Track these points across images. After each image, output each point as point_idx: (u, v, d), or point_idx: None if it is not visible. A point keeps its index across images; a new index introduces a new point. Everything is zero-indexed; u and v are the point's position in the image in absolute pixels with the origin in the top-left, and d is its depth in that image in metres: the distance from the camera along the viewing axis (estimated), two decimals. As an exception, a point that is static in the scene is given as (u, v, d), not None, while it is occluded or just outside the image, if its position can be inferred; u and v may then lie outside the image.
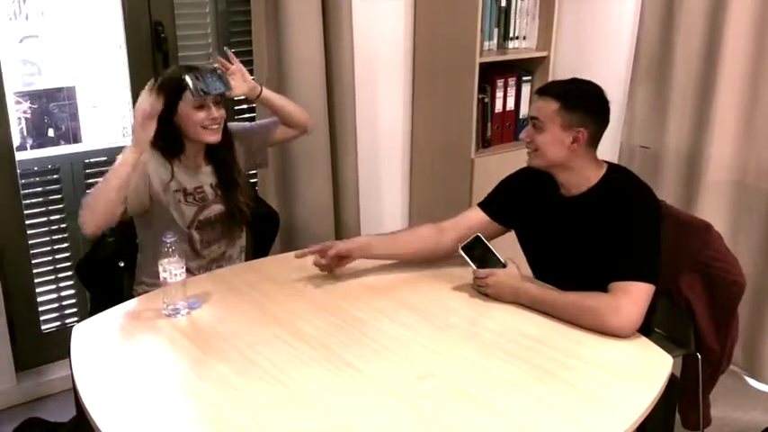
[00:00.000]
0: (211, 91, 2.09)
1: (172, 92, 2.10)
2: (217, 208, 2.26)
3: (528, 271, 2.15)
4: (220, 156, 2.26)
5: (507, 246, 2.17)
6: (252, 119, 2.96)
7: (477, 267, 1.98)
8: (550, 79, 3.22)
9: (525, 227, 2.15)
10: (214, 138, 2.16)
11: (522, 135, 2.02)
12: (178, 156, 2.19)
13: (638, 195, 1.93)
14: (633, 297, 1.79)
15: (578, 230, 1.98)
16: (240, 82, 2.27)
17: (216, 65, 2.22)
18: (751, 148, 2.78)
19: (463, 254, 2.00)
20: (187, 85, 2.05)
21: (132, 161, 2.00)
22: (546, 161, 1.97)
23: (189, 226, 2.22)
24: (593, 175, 1.97)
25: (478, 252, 2.00)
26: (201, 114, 2.11)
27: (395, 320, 1.87)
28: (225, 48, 2.41)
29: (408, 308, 1.94)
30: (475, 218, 2.18)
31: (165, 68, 2.72)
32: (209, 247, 2.27)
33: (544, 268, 2.13)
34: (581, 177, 1.97)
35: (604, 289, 1.83)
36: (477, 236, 2.02)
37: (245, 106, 3.03)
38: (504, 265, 1.97)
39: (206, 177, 2.26)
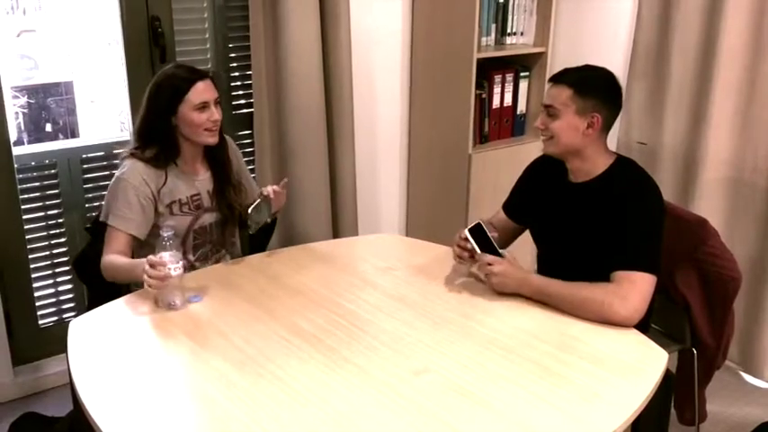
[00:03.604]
0: (262, 221, 2.21)
1: (173, 92, 2.09)
2: (211, 216, 2.26)
3: (529, 265, 2.16)
4: (219, 161, 2.26)
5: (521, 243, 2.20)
6: (249, 115, 2.96)
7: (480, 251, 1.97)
8: (548, 75, 3.23)
9: (536, 218, 2.18)
10: (213, 139, 2.16)
11: (537, 123, 2.03)
12: (174, 161, 2.18)
13: (643, 186, 1.95)
14: (639, 287, 1.81)
15: (584, 216, 2.00)
16: (276, 204, 2.25)
17: (265, 193, 2.19)
18: (747, 145, 2.78)
19: (470, 237, 1.98)
20: (249, 217, 2.17)
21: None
22: (561, 148, 1.99)
23: (185, 236, 2.21)
24: (602, 163, 1.99)
25: (481, 238, 2.00)
26: (203, 116, 2.10)
27: (391, 316, 1.88)
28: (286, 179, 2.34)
29: (405, 303, 1.94)
30: (500, 217, 2.27)
31: (163, 64, 2.73)
32: (204, 260, 2.28)
33: (552, 257, 2.15)
34: (591, 164, 1.99)
35: (609, 277, 1.85)
36: (479, 223, 2.03)
37: (242, 101, 3.03)
38: (502, 257, 1.98)
39: (204, 184, 2.25)
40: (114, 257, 2.08)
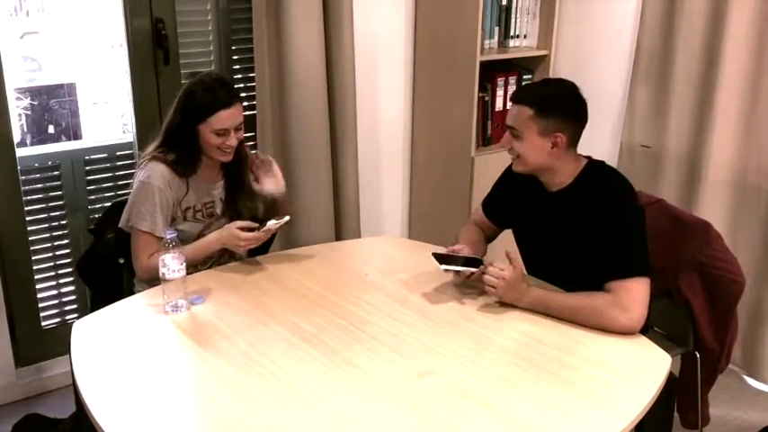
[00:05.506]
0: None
1: (198, 108, 2.10)
2: (221, 224, 2.25)
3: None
4: (233, 172, 2.27)
5: (509, 241, 2.20)
6: (252, 117, 2.96)
7: (465, 267, 1.96)
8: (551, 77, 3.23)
9: (516, 223, 2.18)
10: (225, 158, 2.18)
11: (502, 142, 2.00)
12: (194, 169, 2.19)
13: (616, 189, 1.93)
14: (636, 293, 1.80)
15: (562, 225, 1.99)
16: (273, 180, 2.28)
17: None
18: (751, 148, 2.78)
19: (450, 268, 1.97)
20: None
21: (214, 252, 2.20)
22: (529, 167, 1.98)
23: (193, 242, 2.21)
24: (573, 171, 1.98)
25: (454, 259, 2.00)
26: (219, 139, 2.12)
27: (394, 318, 1.88)
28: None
29: (407, 306, 1.94)
30: (479, 216, 2.27)
31: (166, 66, 2.74)
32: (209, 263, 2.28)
33: (536, 263, 2.14)
34: (562, 176, 1.98)
35: (594, 282, 1.84)
36: (433, 254, 2.00)
37: (245, 104, 3.02)
38: (481, 263, 1.97)
39: (219, 192, 2.27)
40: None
